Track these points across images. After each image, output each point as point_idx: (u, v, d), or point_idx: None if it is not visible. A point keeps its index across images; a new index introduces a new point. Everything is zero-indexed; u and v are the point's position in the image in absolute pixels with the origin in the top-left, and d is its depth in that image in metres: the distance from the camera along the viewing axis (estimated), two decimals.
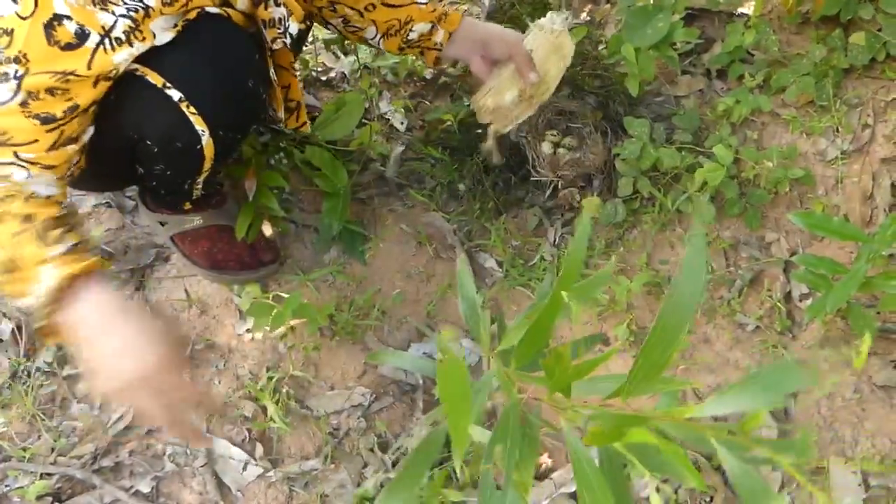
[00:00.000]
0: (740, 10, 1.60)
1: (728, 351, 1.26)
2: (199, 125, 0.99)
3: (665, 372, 0.53)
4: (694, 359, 1.26)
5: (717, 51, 1.56)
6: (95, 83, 0.89)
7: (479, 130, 1.37)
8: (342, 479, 1.15)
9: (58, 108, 0.87)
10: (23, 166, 0.88)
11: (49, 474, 1.15)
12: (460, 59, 1.28)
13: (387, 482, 1.14)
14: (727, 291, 1.32)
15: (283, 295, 1.26)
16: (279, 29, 1.09)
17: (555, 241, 1.40)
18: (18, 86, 0.84)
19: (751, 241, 1.38)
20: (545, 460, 1.18)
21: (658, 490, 0.50)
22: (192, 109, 0.98)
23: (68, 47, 0.83)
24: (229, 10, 1.03)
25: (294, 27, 1.11)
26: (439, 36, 1.22)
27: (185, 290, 1.35)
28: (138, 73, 0.95)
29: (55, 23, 0.82)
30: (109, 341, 0.82)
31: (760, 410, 0.49)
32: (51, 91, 0.86)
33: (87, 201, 1.45)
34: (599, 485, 0.54)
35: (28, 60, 0.83)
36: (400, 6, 1.20)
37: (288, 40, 1.11)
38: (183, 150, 1.02)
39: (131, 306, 0.88)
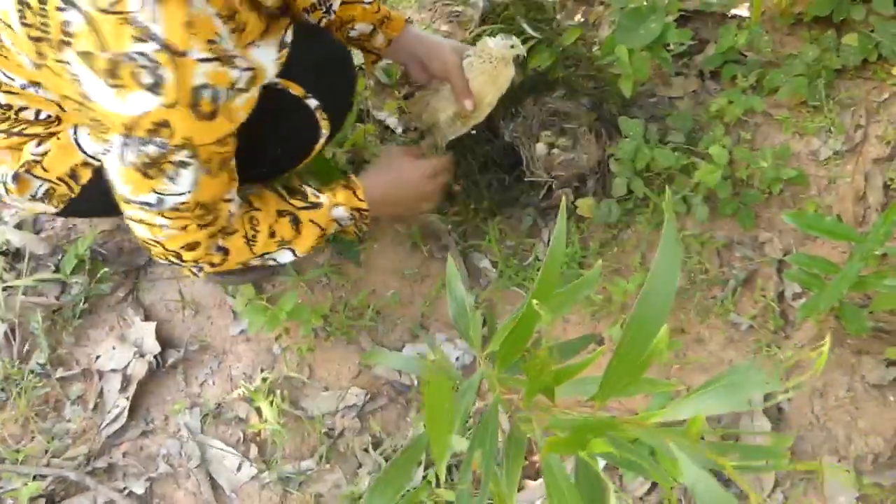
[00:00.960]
0: (733, 11, 1.61)
1: (722, 350, 1.27)
2: (326, 129, 1.08)
3: (646, 373, 0.53)
4: (688, 358, 1.26)
5: (711, 52, 1.56)
6: None
7: (473, 132, 1.38)
8: (337, 480, 1.14)
9: (227, 152, 0.93)
10: (227, 201, 1.00)
11: (42, 476, 1.15)
12: (399, 64, 1.34)
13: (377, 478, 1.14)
14: (721, 291, 1.32)
15: (278, 296, 1.26)
16: (322, 9, 1.15)
17: (549, 241, 1.40)
18: (199, 164, 0.88)
19: (744, 240, 1.38)
20: (538, 459, 1.18)
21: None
22: (324, 115, 1.06)
23: (212, 115, 0.84)
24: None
25: (337, 2, 1.16)
26: (379, 41, 1.25)
27: (180, 292, 1.35)
28: (279, 87, 1.00)
29: (198, 97, 0.81)
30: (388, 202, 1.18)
31: (701, 415, 0.49)
32: (221, 142, 0.89)
33: None
34: (571, 493, 0.54)
35: (193, 143, 0.85)
36: (347, 3, 1.21)
37: (331, 16, 1.17)
38: (301, 152, 1.11)
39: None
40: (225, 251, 1.03)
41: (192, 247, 0.98)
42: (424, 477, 1.13)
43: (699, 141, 1.43)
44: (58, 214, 1.10)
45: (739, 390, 0.49)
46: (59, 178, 1.02)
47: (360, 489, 1.13)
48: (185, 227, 0.95)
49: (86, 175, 1.02)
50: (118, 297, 1.35)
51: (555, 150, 1.41)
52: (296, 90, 1.02)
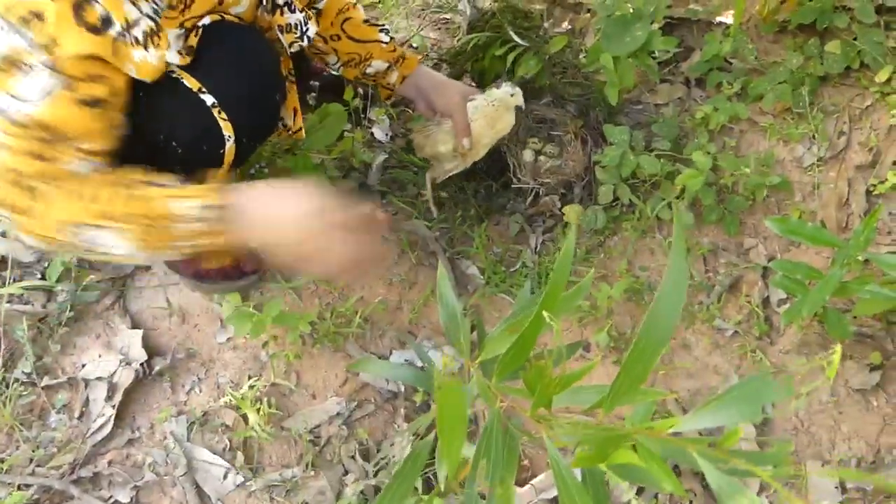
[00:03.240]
0: (719, 19, 1.63)
1: (707, 356, 1.28)
2: (227, 131, 1.00)
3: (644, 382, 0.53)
4: (673, 364, 1.27)
5: (696, 59, 1.58)
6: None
7: (431, 163, 1.42)
8: (322, 487, 1.14)
9: (100, 91, 0.84)
10: (84, 158, 0.85)
11: (27, 485, 1.14)
12: (410, 100, 1.40)
13: (367, 490, 1.14)
14: (706, 297, 1.33)
15: (265, 303, 1.26)
16: (296, 33, 1.12)
17: (536, 247, 1.41)
18: (54, 70, 0.80)
19: (729, 246, 1.39)
20: (525, 464, 1.18)
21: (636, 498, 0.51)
22: (224, 115, 0.99)
23: (94, 30, 0.81)
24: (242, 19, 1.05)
25: (312, 30, 1.13)
26: (393, 77, 1.32)
27: (167, 299, 1.35)
28: (174, 76, 0.95)
29: (84, 3, 0.80)
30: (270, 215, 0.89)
31: (739, 425, 0.50)
32: (91, 78, 0.83)
33: None
34: (582, 499, 0.55)
35: (57, 45, 0.79)
36: (364, 41, 1.27)
37: (305, 43, 1.13)
38: (205, 154, 1.03)
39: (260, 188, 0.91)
40: (32, 194, 0.84)
41: (7, 177, 0.83)
42: (415, 489, 1.13)
43: (684, 148, 1.44)
44: None
45: (754, 400, 0.50)
46: None
47: (346, 497, 1.13)
48: (10, 147, 0.82)
49: None
50: (104, 304, 1.34)
51: (541, 157, 1.42)
52: (190, 82, 0.95)
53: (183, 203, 0.86)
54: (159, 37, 0.89)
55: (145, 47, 0.87)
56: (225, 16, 1.02)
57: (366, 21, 1.28)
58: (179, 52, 0.94)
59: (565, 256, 0.61)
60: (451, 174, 1.37)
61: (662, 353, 1.29)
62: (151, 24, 0.87)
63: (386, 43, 1.29)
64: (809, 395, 1.22)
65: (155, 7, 0.87)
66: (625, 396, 0.54)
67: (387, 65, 1.31)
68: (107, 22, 0.82)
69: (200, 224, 0.86)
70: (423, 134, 1.37)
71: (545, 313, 0.55)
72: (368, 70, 1.31)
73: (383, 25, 1.30)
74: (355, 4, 1.28)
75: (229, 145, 1.02)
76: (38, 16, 0.79)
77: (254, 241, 0.89)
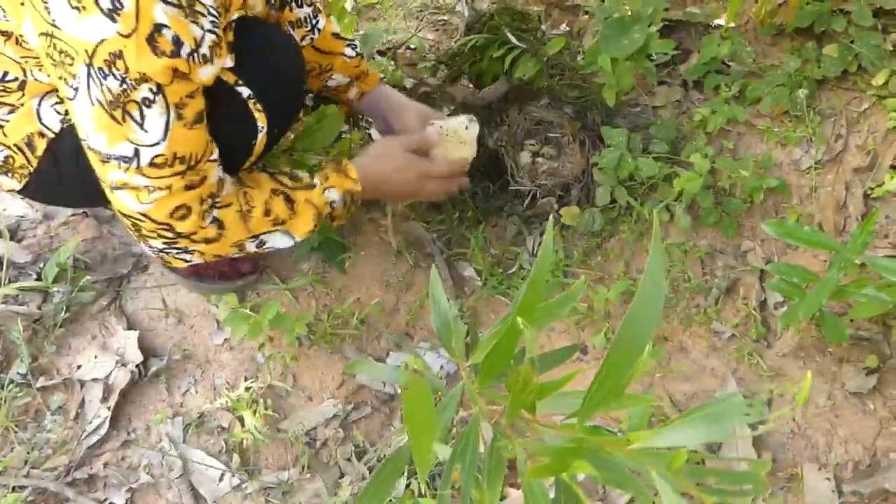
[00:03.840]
0: (716, 21, 1.63)
1: (704, 359, 1.27)
2: (262, 122, 1.03)
3: (629, 389, 0.53)
4: (670, 367, 1.27)
5: (694, 62, 1.58)
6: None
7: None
8: (317, 489, 1.14)
9: (199, 105, 0.92)
10: (213, 161, 0.98)
11: (21, 487, 1.14)
12: (371, 118, 1.41)
13: (361, 489, 1.13)
14: (703, 300, 1.33)
15: (262, 304, 1.26)
16: (307, 27, 1.18)
17: (533, 249, 1.41)
18: (166, 105, 0.87)
19: (727, 249, 1.39)
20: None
21: None
22: (259, 107, 1.02)
23: (171, 55, 0.84)
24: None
25: (322, 22, 1.20)
26: (353, 92, 1.34)
27: (163, 300, 1.34)
28: None
29: (156, 33, 0.82)
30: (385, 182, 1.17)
31: (685, 448, 0.49)
32: (190, 95, 0.89)
33: (63, 210, 1.45)
34: None
35: (150, 77, 0.84)
36: (327, 53, 1.28)
37: (315, 35, 1.20)
38: (239, 145, 1.05)
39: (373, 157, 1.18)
40: (220, 224, 1.00)
41: (182, 215, 0.95)
42: (407, 485, 1.13)
43: (682, 150, 1.44)
44: (20, 193, 1.09)
45: (721, 421, 0.49)
46: (17, 146, 1.01)
47: (341, 499, 1.12)
48: (169, 187, 0.92)
49: (41, 146, 1.01)
50: (100, 305, 1.34)
51: (539, 159, 1.42)
52: (227, 76, 0.99)
53: (329, 193, 1.10)
54: (221, 47, 0.92)
55: (211, 62, 0.91)
56: (249, 13, 1.04)
57: (335, 34, 1.29)
58: (228, 53, 0.96)
59: (543, 258, 0.60)
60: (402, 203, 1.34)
61: (660, 357, 1.29)
62: (214, 37, 0.89)
63: (350, 58, 1.30)
64: (807, 399, 1.22)
65: (213, 20, 0.88)
66: (604, 404, 0.54)
67: (348, 79, 1.31)
68: (178, 43, 0.84)
69: (342, 204, 1.12)
70: None
71: (520, 319, 0.54)
72: (330, 83, 1.32)
73: (353, 41, 1.30)
74: (329, 16, 1.28)
75: (261, 136, 1.05)
76: (119, 55, 0.82)
77: (373, 197, 1.20)
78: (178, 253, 1.01)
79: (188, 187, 0.94)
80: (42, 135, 1.01)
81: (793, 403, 1.22)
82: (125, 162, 0.89)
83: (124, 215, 0.97)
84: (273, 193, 1.06)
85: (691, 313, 1.32)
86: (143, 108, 0.86)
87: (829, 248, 1.14)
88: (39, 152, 1.02)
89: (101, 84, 0.83)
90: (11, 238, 1.41)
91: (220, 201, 1.00)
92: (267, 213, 1.05)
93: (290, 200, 1.07)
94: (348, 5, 1.74)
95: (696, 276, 1.36)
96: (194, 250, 1.01)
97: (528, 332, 0.51)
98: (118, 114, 0.85)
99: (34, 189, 1.08)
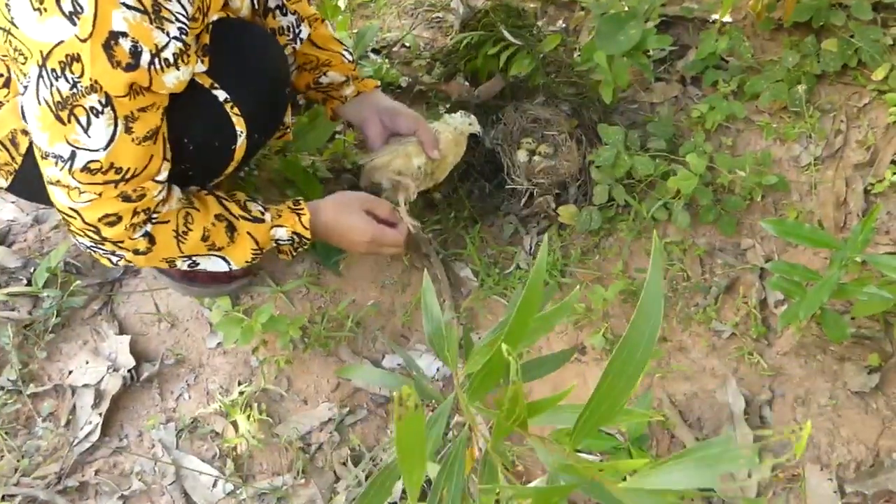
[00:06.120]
0: (714, 17, 1.61)
1: (704, 358, 1.26)
2: (240, 126, 1.01)
3: (627, 401, 0.51)
4: (670, 367, 1.25)
5: (692, 57, 1.56)
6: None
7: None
8: (312, 495, 1.12)
9: (153, 120, 0.90)
10: (158, 182, 0.96)
11: (11, 496, 1.12)
12: (359, 121, 1.31)
13: (358, 497, 1.12)
14: (703, 298, 1.31)
15: (255, 308, 1.24)
16: (289, 36, 1.16)
17: (530, 249, 1.39)
18: (115, 117, 0.85)
19: (726, 247, 1.37)
20: (520, 470, 1.16)
21: None
22: (236, 111, 1.00)
23: (128, 67, 0.83)
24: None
25: (305, 32, 1.19)
26: (349, 90, 1.30)
27: (155, 304, 1.33)
28: None
29: (112, 42, 0.80)
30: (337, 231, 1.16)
31: (671, 494, 0.47)
32: (143, 109, 0.88)
33: (54, 214, 1.43)
34: None
35: (101, 87, 0.83)
36: (324, 49, 1.25)
37: (297, 45, 1.19)
38: (217, 150, 1.03)
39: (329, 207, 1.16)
40: (151, 239, 0.99)
41: (112, 221, 0.94)
42: (404, 491, 1.11)
43: (680, 147, 1.42)
44: (8, 190, 1.08)
45: (713, 466, 0.47)
46: (2, 143, 1.00)
47: None
48: (99, 194, 0.91)
49: (24, 143, 1.00)
50: (92, 310, 1.32)
51: (536, 158, 1.40)
52: (202, 79, 0.96)
53: (276, 231, 1.10)
54: (188, 55, 0.89)
55: (177, 67, 0.88)
56: (231, 15, 1.02)
57: (332, 38, 1.27)
58: (199, 58, 0.94)
59: (535, 277, 0.58)
60: (415, 193, 1.30)
61: (659, 358, 1.27)
62: (180, 45, 0.87)
63: (349, 61, 1.27)
64: (808, 399, 1.20)
65: (181, 27, 0.86)
66: (596, 425, 0.52)
67: (344, 78, 1.28)
68: (136, 54, 0.83)
69: (288, 243, 1.13)
70: (384, 155, 1.27)
71: (505, 348, 0.52)
72: (323, 79, 1.27)
73: (348, 49, 1.28)
74: (323, 21, 1.27)
75: (241, 141, 1.03)
76: (76, 59, 0.80)
77: (321, 241, 1.20)
78: (104, 254, 1.00)
79: (124, 198, 0.93)
80: (25, 132, 0.99)
81: (793, 404, 1.20)
82: (61, 161, 0.88)
83: (58, 209, 0.96)
84: (217, 219, 1.05)
85: (691, 312, 1.30)
86: (91, 115, 0.84)
87: (829, 246, 1.13)
88: (23, 150, 1.00)
89: (51, 85, 0.82)
90: (1, 243, 1.39)
91: (157, 217, 0.99)
92: (205, 238, 1.04)
93: (232, 229, 1.06)
94: (342, 3, 1.72)
95: (695, 275, 1.34)
96: (122, 255, 1.00)
97: (513, 362, 0.49)
98: (64, 115, 0.84)
99: (19, 187, 1.07)
